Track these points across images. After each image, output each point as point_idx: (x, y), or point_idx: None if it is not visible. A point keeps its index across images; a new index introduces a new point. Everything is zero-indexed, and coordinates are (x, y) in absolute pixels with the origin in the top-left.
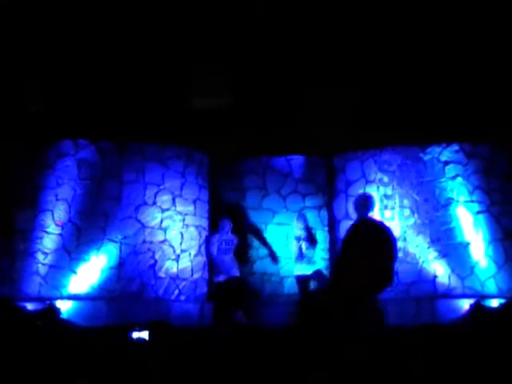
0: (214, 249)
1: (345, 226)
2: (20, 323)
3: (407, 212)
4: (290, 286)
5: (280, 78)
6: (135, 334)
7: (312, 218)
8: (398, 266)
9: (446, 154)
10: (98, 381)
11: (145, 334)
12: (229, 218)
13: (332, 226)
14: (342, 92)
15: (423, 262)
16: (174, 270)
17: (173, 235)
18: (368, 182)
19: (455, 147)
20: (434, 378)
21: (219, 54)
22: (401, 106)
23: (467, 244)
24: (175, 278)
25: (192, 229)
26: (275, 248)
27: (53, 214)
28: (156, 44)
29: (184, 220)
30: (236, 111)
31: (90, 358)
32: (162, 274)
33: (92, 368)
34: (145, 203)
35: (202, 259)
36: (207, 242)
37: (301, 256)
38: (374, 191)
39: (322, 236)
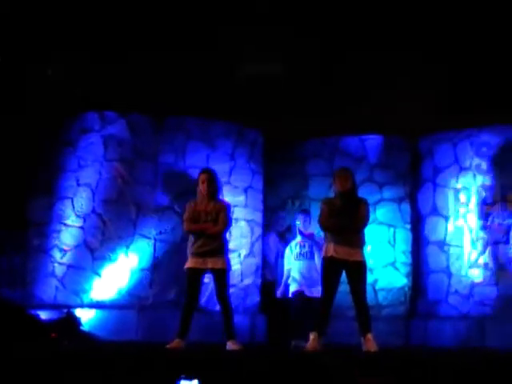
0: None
1: (432, 223)
2: (32, 335)
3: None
4: None
5: (354, 41)
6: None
7: (390, 212)
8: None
9: None
10: None
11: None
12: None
13: (416, 222)
14: (432, 64)
15: None
16: None
17: None
18: (462, 169)
19: None
20: None
21: (277, 11)
22: (501, 80)
23: None
24: None
25: (242, 224)
26: None
27: (73, 203)
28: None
29: (233, 213)
30: (298, 81)
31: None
32: (205, 279)
33: None
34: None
35: (254, 261)
36: None
37: None
38: (470, 180)
39: (402, 235)
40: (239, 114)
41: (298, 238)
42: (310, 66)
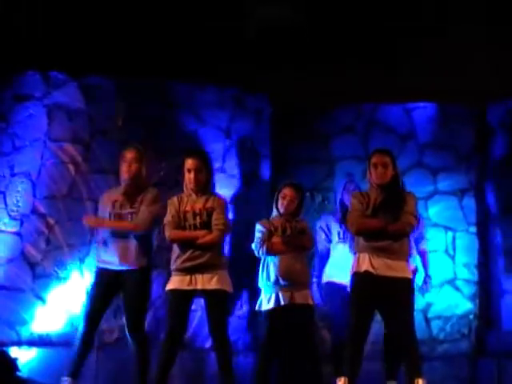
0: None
1: (507, 225)
2: None
3: None
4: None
5: None
6: None
7: (448, 210)
8: None
9: None
10: None
11: None
12: None
13: (484, 223)
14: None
15: None
16: None
17: None
18: None
19: None
20: None
21: None
22: None
23: None
24: None
25: None
26: None
27: (5, 199)
28: None
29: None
30: (319, 31)
31: None
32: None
33: None
34: (163, 182)
35: None
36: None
37: None
38: None
39: (465, 242)
40: (238, 73)
41: None
42: (337, 11)
